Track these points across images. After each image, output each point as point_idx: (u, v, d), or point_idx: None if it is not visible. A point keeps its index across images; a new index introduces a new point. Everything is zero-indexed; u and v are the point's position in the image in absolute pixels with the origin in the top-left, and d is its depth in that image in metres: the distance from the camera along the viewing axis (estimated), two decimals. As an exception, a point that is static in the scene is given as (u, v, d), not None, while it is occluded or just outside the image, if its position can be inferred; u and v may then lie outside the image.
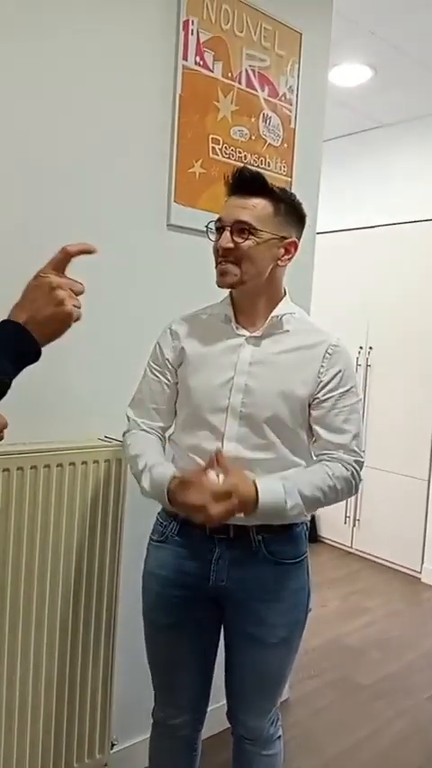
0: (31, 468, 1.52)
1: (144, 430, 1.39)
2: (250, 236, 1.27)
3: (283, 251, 1.32)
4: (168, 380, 1.38)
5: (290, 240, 1.32)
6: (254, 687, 1.40)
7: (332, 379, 1.33)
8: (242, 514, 1.20)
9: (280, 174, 2.11)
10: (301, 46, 2.11)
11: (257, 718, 1.42)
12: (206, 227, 1.34)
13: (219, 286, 1.34)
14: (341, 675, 2.61)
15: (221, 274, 1.31)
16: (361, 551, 4.05)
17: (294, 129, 2.14)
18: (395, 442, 3.90)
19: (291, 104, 2.12)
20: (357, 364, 4.07)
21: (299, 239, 1.36)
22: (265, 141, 2.06)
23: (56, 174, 1.61)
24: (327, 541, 4.25)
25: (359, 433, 1.34)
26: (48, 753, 1.63)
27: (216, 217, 1.34)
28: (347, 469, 1.30)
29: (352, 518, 4.11)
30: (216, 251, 1.31)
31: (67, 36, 1.59)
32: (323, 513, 4.29)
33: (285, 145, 2.12)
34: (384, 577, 3.72)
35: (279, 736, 1.50)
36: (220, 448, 1.26)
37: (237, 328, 1.34)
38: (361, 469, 1.33)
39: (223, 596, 1.34)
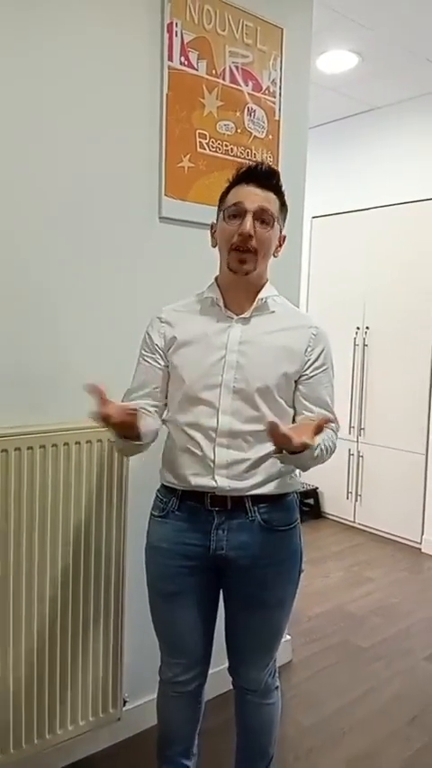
0: (40, 447, 1.66)
1: (132, 399, 1.48)
2: (267, 226, 1.38)
3: (278, 243, 1.45)
4: (159, 364, 1.48)
5: (284, 234, 1.46)
6: (254, 644, 1.53)
7: (317, 358, 1.45)
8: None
9: (266, 165, 2.21)
10: (282, 40, 2.20)
11: (257, 671, 1.55)
12: (223, 212, 1.41)
13: (234, 272, 1.41)
14: (342, 639, 2.75)
15: (242, 262, 1.39)
16: (363, 525, 4.18)
17: (279, 121, 2.23)
18: (393, 418, 4.01)
19: (274, 97, 2.21)
20: (355, 344, 4.18)
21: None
22: (251, 134, 2.16)
23: (51, 172, 1.72)
24: (330, 517, 4.39)
25: (333, 403, 1.48)
26: (65, 706, 1.79)
27: (212, 206, 1.46)
28: (335, 434, 1.45)
29: (354, 493, 4.23)
30: (231, 236, 1.38)
31: (60, 41, 1.70)
32: (326, 491, 4.42)
33: (270, 136, 2.22)
34: (386, 549, 3.85)
35: (277, 687, 1.63)
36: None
37: (225, 311, 1.46)
38: (338, 427, 1.46)
39: (223, 563, 1.46)
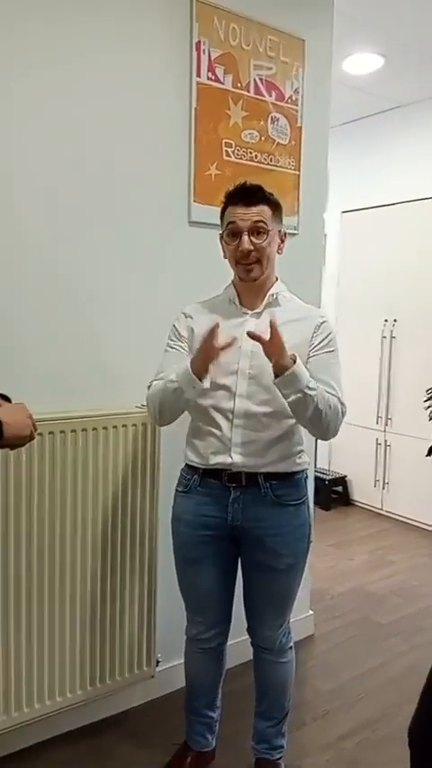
0: (82, 430, 1.87)
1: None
2: (264, 236, 1.56)
3: (280, 241, 1.62)
4: (184, 352, 1.67)
5: (283, 231, 1.62)
6: (267, 605, 1.71)
7: (321, 341, 1.62)
8: (277, 360, 1.46)
9: (288, 169, 2.36)
10: (304, 51, 2.34)
11: (271, 630, 1.74)
12: (220, 235, 1.64)
13: (244, 281, 1.62)
14: (362, 616, 2.90)
15: (248, 272, 1.60)
16: (390, 512, 4.31)
17: (301, 127, 2.38)
18: (419, 409, 4.10)
19: (297, 105, 2.36)
20: (383, 336, 4.29)
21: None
22: (274, 141, 2.31)
23: (90, 181, 1.92)
24: (358, 504, 4.52)
25: (341, 387, 1.62)
26: (104, 662, 2.00)
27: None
28: (340, 403, 1.58)
29: (381, 481, 4.36)
30: (234, 253, 1.58)
31: (97, 59, 1.89)
32: (354, 479, 4.55)
33: (293, 142, 2.37)
34: (410, 535, 3.97)
35: (291, 647, 1.81)
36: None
37: (241, 307, 1.64)
38: (345, 409, 1.60)
39: (239, 533, 1.65)
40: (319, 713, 2.20)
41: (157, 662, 2.15)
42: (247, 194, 1.57)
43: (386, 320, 4.27)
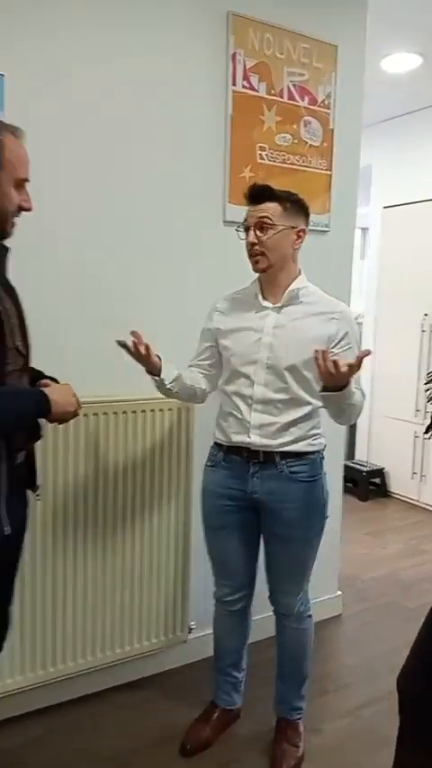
0: (123, 413, 2.08)
1: (191, 366, 1.91)
2: (269, 231, 1.70)
3: (295, 236, 1.75)
4: (210, 343, 1.87)
5: (299, 228, 1.75)
6: (283, 573, 1.87)
7: (342, 338, 1.75)
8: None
9: (320, 169, 2.49)
10: (336, 56, 2.46)
11: (288, 597, 1.89)
12: (236, 228, 1.80)
13: (254, 271, 1.80)
14: (390, 600, 3.01)
15: (255, 263, 1.77)
16: (427, 504, 4.36)
17: (333, 129, 2.50)
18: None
19: (329, 108, 2.48)
20: (422, 330, 4.34)
21: (307, 226, 1.79)
22: (307, 143, 2.44)
23: (132, 181, 2.10)
24: (395, 496, 4.59)
25: (360, 379, 1.75)
26: (141, 623, 2.20)
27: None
28: (362, 395, 1.74)
29: (419, 473, 4.41)
30: (247, 246, 1.76)
31: (140, 68, 2.06)
32: (392, 471, 4.62)
33: (325, 144, 2.49)
34: (446, 527, 4.03)
35: (309, 615, 1.95)
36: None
37: (263, 301, 1.79)
38: (364, 397, 1.76)
39: (258, 505, 1.81)
40: (341, 684, 2.34)
41: (190, 629, 2.33)
42: (254, 193, 1.73)
43: (426, 314, 4.32)
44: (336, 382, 1.57)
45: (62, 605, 2.04)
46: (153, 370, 1.75)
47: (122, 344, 1.67)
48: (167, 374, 1.76)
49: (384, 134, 4.42)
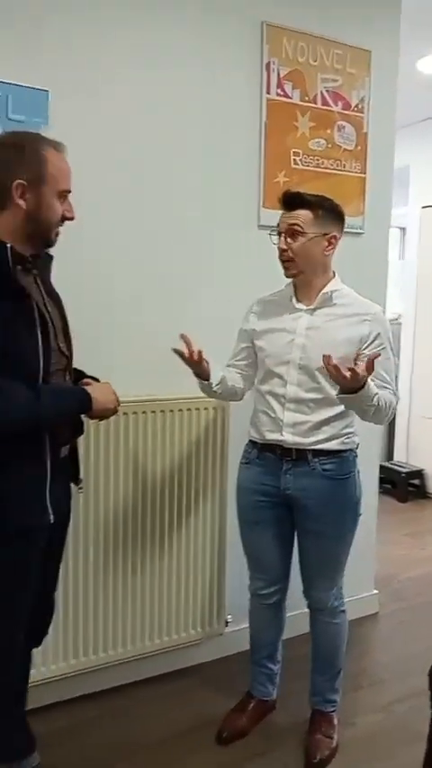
0: (161, 411, 2.16)
1: (228, 366, 1.97)
2: (299, 238, 1.75)
3: (326, 243, 1.79)
4: (246, 343, 1.94)
5: (331, 235, 1.79)
6: (316, 569, 1.91)
7: (375, 339, 1.79)
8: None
9: (354, 173, 2.52)
10: (370, 62, 2.49)
11: (321, 592, 1.93)
12: (269, 234, 1.85)
13: (285, 276, 1.86)
14: (427, 600, 3.01)
15: (285, 268, 1.83)
16: (467, 506, 4.32)
17: (367, 133, 2.53)
18: None
19: (362, 112, 2.51)
20: (462, 330, 4.31)
21: (340, 232, 1.82)
22: (341, 147, 2.48)
23: (171, 188, 2.18)
24: (435, 497, 4.57)
25: (394, 379, 1.80)
26: (178, 615, 2.28)
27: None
28: (393, 395, 1.78)
29: (459, 475, 4.38)
30: (278, 251, 1.82)
31: (179, 78, 2.15)
32: (431, 471, 4.59)
33: (359, 147, 2.53)
34: None
35: (343, 610, 1.99)
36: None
37: (296, 303, 1.84)
38: (397, 398, 1.80)
39: (291, 501, 1.86)
40: (375, 680, 2.37)
41: (227, 622, 2.39)
42: (287, 200, 1.79)
43: (466, 314, 4.29)
44: (347, 385, 1.59)
45: (103, 596, 2.13)
46: (203, 374, 1.82)
47: (178, 353, 1.75)
48: (214, 377, 1.84)
49: (422, 134, 4.41)
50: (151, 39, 2.09)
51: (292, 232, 1.76)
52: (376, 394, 1.67)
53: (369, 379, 1.64)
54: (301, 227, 1.75)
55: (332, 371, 1.56)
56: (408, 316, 4.76)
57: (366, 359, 1.56)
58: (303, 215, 1.76)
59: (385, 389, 1.75)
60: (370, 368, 1.56)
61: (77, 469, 1.64)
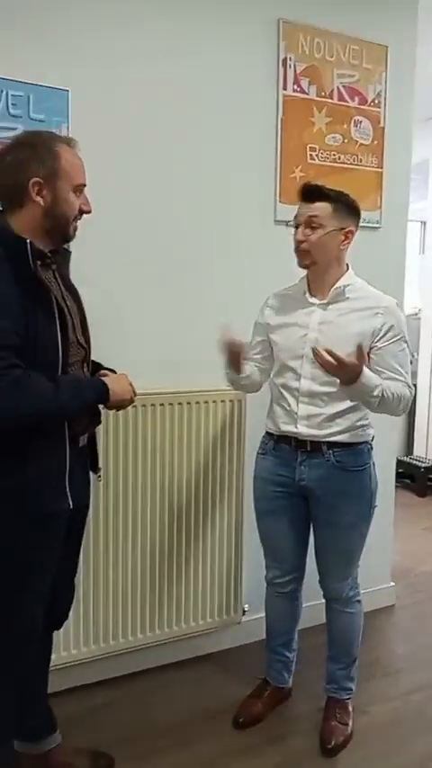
0: (179, 404, 2.21)
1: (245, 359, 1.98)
2: (317, 230, 1.78)
3: (343, 237, 1.82)
4: (261, 336, 1.97)
5: (348, 229, 1.82)
6: (331, 559, 1.94)
7: (387, 331, 1.80)
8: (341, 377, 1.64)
9: (371, 167, 2.53)
10: (387, 57, 2.50)
11: (337, 582, 1.96)
12: (286, 224, 1.88)
13: (300, 267, 1.88)
14: (444, 593, 3.02)
15: (299, 257, 1.85)
16: None
17: (384, 127, 2.54)
18: None
19: (379, 107, 2.52)
20: None
21: (356, 227, 1.85)
22: (357, 142, 2.49)
23: (189, 183, 2.22)
24: (453, 492, 4.54)
25: (408, 371, 1.81)
26: (196, 603, 2.32)
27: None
28: (407, 387, 1.79)
29: None
30: (295, 242, 1.84)
31: (198, 76, 2.19)
32: (449, 466, 4.57)
33: (375, 142, 2.54)
34: None
35: (358, 600, 2.02)
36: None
37: (310, 298, 1.87)
38: (412, 390, 1.81)
39: (305, 491, 1.90)
40: (390, 670, 2.39)
41: (244, 611, 2.43)
42: (306, 192, 1.81)
43: None
44: (340, 375, 1.63)
45: (122, 583, 2.18)
46: (238, 368, 1.88)
47: (230, 344, 1.80)
48: (244, 370, 1.90)
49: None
50: (169, 38, 2.13)
51: (310, 224, 1.79)
52: (378, 385, 1.68)
53: (369, 371, 1.66)
54: (320, 219, 1.78)
55: (322, 364, 1.61)
56: (428, 310, 4.74)
57: (356, 348, 1.60)
58: (322, 207, 1.78)
59: (397, 381, 1.76)
60: (360, 356, 1.59)
61: (96, 458, 1.69)
